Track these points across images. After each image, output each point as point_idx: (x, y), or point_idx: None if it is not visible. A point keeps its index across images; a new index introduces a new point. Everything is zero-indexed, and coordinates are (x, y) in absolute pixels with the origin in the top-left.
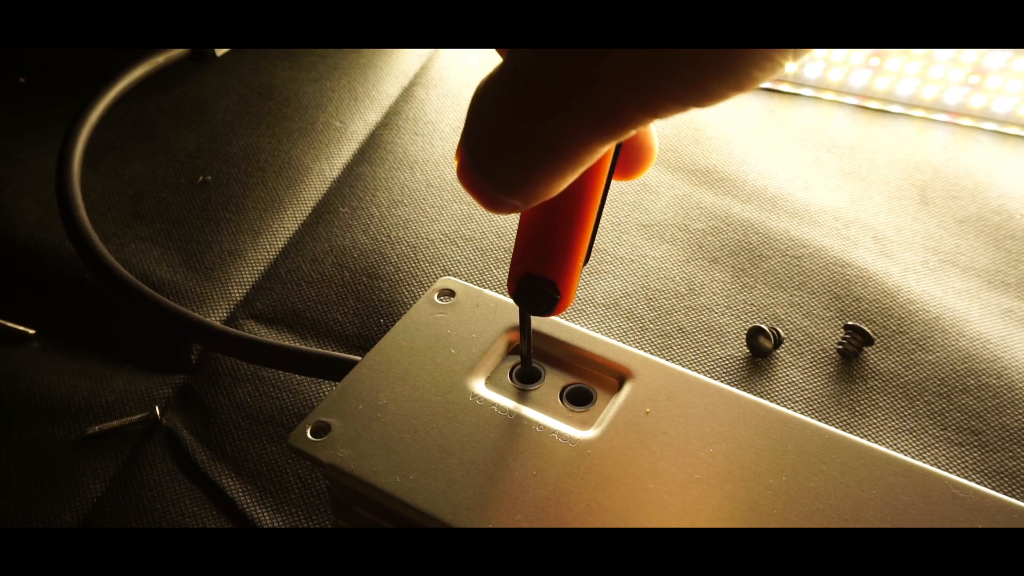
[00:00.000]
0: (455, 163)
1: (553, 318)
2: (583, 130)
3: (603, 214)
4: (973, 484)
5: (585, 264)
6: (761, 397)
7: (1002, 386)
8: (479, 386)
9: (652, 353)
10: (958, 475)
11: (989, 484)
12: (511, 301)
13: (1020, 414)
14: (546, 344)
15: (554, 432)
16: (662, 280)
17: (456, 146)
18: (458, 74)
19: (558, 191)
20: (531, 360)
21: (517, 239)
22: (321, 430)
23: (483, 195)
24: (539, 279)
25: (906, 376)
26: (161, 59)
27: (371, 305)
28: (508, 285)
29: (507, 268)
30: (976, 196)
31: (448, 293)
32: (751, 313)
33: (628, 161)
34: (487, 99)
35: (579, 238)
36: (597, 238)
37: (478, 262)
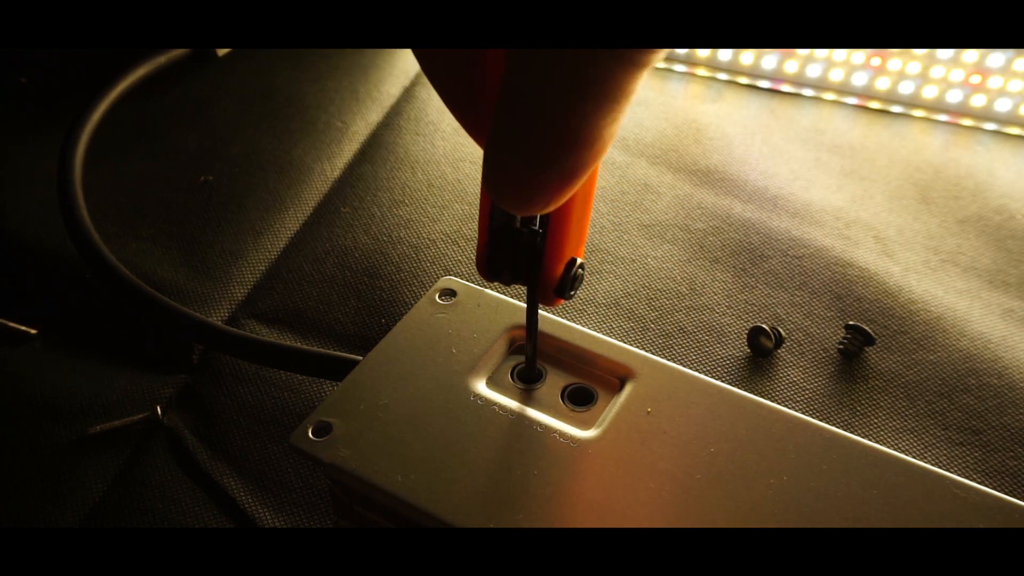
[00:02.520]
0: (485, 167)
1: (554, 318)
2: (619, 61)
3: (604, 214)
4: (974, 484)
5: None
6: (762, 397)
7: (1003, 386)
8: (480, 386)
9: (653, 353)
10: (959, 475)
11: (990, 484)
12: (513, 301)
13: (1021, 414)
14: (547, 344)
15: (555, 432)
16: (663, 280)
17: (482, 165)
18: None
19: (614, 135)
20: (536, 360)
21: (558, 231)
22: (322, 430)
23: (532, 184)
24: (574, 262)
25: (907, 376)
26: (162, 59)
27: (372, 305)
28: (549, 281)
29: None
30: (977, 196)
31: (449, 293)
32: (752, 313)
33: None
34: (518, 84)
35: (585, 217)
36: (597, 238)
37: None
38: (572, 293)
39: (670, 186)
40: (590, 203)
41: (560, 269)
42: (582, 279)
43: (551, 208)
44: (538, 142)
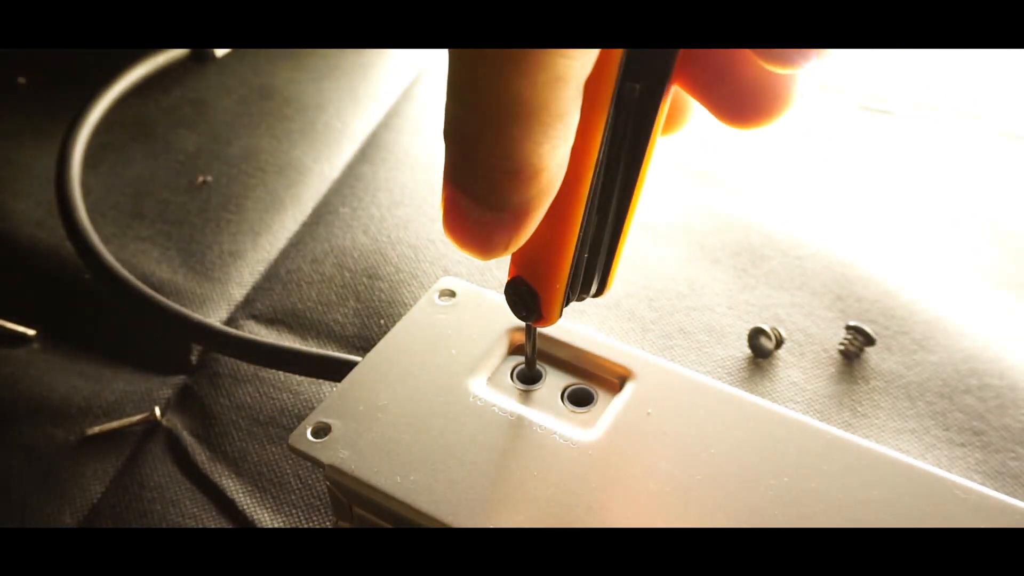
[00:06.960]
0: (442, 209)
1: None
2: (530, 76)
3: (620, 245)
4: (975, 485)
5: (597, 294)
6: (762, 398)
7: (1004, 386)
8: (480, 387)
9: (653, 354)
10: (960, 476)
11: (991, 485)
12: None
13: (1023, 414)
14: (548, 345)
15: (555, 433)
16: (663, 280)
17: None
18: None
19: (561, 165)
20: (535, 361)
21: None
22: (321, 431)
23: (488, 225)
24: (524, 285)
25: (908, 376)
26: (161, 59)
27: (371, 306)
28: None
29: (508, 269)
30: (979, 196)
31: (449, 293)
32: (752, 313)
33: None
34: (464, 114)
35: (558, 251)
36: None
37: (479, 262)
38: (517, 313)
39: (670, 186)
40: (555, 237)
41: (511, 272)
42: (521, 313)
43: (509, 251)
44: (484, 174)
